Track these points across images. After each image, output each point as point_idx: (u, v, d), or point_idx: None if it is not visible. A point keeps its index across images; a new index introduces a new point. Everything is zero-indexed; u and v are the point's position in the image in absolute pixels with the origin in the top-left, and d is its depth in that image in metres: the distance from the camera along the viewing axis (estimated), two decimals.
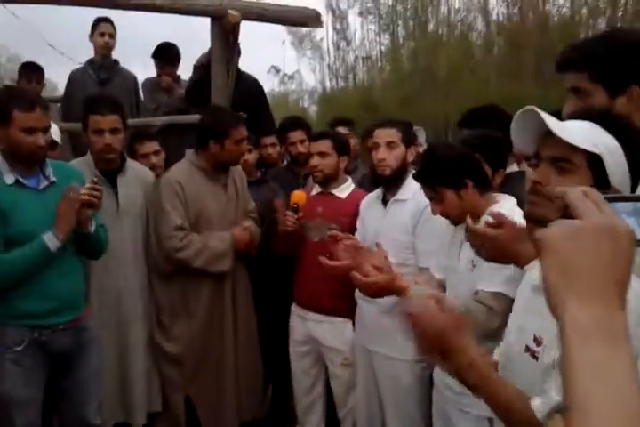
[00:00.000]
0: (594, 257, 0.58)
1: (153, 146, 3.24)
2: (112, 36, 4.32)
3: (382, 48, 19.38)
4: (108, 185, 2.72)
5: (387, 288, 1.90)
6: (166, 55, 4.42)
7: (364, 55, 19.44)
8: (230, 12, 3.52)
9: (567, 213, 0.63)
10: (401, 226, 2.51)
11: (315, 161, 2.88)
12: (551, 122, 1.12)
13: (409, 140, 2.62)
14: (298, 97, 19.56)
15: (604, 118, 1.17)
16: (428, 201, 2.43)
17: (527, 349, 1.16)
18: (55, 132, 2.70)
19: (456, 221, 2.07)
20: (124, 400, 2.79)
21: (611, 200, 0.67)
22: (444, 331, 1.14)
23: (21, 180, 2.30)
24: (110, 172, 2.78)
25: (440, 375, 2.11)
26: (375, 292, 1.94)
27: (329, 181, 2.92)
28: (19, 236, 2.26)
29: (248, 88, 4.20)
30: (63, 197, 2.27)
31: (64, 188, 2.29)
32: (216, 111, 3.13)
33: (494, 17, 17.33)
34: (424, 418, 2.46)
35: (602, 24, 15.51)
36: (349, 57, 19.44)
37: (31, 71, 4.47)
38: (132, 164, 2.93)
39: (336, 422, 2.99)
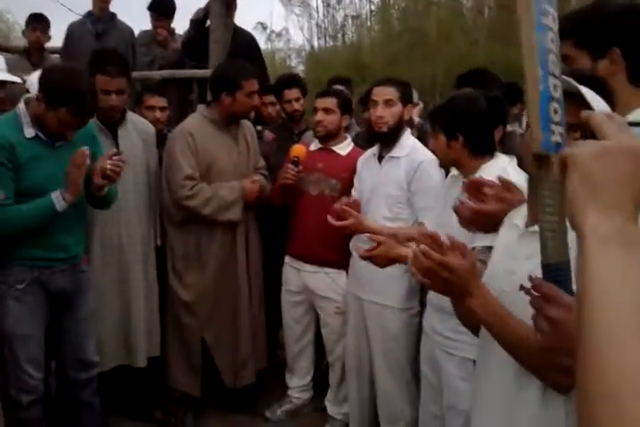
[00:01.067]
0: (616, 174, 0.62)
1: (161, 101, 3.28)
2: None
3: (372, 7, 19.03)
4: (108, 136, 2.78)
5: (387, 258, 2.08)
6: (162, 8, 4.39)
7: (354, 14, 19.07)
8: None
9: (587, 135, 0.68)
10: (395, 182, 2.61)
11: (319, 116, 2.94)
12: (583, 90, 1.18)
13: (406, 98, 2.70)
14: (285, 55, 19.20)
15: (595, 83, 1.26)
16: (422, 158, 2.54)
17: (522, 287, 1.26)
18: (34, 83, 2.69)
19: (441, 164, 2.26)
20: (126, 343, 2.89)
21: (632, 125, 0.73)
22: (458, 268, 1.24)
23: (41, 135, 2.34)
24: (111, 124, 2.82)
25: (429, 321, 2.26)
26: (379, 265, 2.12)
27: (330, 137, 2.98)
28: (31, 190, 2.32)
29: (244, 44, 4.19)
30: (74, 161, 2.30)
31: (78, 151, 2.31)
32: (228, 64, 3.15)
33: None
34: (410, 363, 2.62)
35: None
36: (339, 15, 19.06)
37: (36, 22, 4.46)
38: (131, 116, 2.96)
39: (321, 370, 3.15)
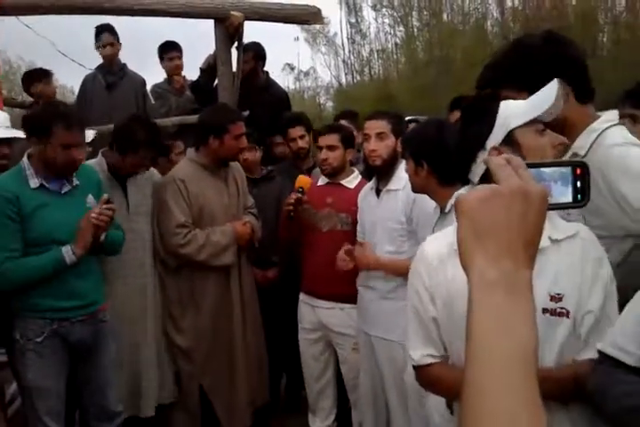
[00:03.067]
0: (505, 218, 0.61)
1: (181, 145, 3.48)
2: (113, 44, 4.45)
3: (397, 40, 19.33)
4: (117, 187, 2.84)
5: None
6: (170, 44, 4.55)
7: (379, 48, 19.39)
8: (232, 13, 3.62)
9: (491, 179, 0.67)
10: (394, 215, 2.60)
11: (323, 154, 2.97)
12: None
13: (399, 130, 2.68)
14: (314, 93, 19.57)
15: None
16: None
17: (545, 310, 1.23)
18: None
19: (413, 190, 2.29)
20: (136, 392, 2.89)
21: (533, 166, 0.71)
22: None
23: (45, 184, 2.42)
24: (121, 175, 2.87)
25: None
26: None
27: (337, 172, 3.01)
28: (39, 239, 2.38)
29: (275, 99, 4.36)
30: (85, 218, 2.41)
31: (89, 211, 2.43)
32: (215, 108, 3.21)
33: (509, 4, 17.18)
34: (422, 399, 2.54)
35: (620, 6, 15.25)
36: (364, 50, 19.42)
37: (35, 77, 4.48)
38: None
39: (347, 408, 3.08)
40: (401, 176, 2.59)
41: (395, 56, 19.56)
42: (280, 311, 3.28)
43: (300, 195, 2.96)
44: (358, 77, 19.42)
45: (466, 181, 2.08)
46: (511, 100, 1.36)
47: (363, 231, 2.75)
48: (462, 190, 2.08)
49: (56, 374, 2.47)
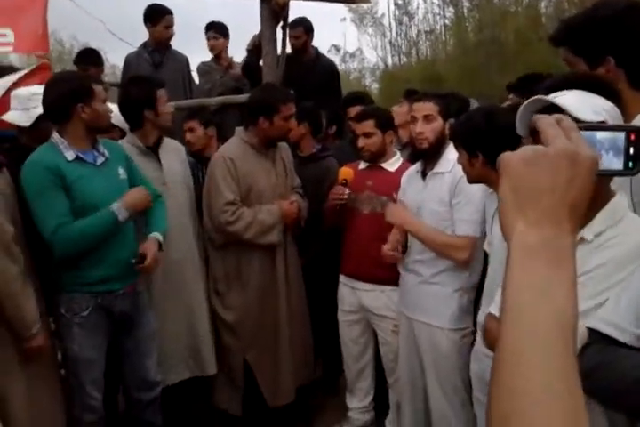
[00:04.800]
0: (549, 181, 0.58)
1: (192, 124, 3.52)
2: (168, 27, 4.48)
3: (446, 21, 18.91)
4: (152, 158, 2.91)
5: None
6: (210, 25, 4.58)
7: (427, 29, 19.03)
8: None
9: (537, 140, 0.63)
10: (439, 198, 2.56)
11: (361, 142, 2.95)
12: (561, 102, 1.16)
13: (447, 113, 2.64)
14: (360, 75, 19.37)
15: (590, 83, 1.23)
16: (461, 173, 2.47)
17: None
18: (117, 115, 2.87)
19: (468, 180, 2.24)
20: (194, 354, 2.98)
21: (586, 129, 0.67)
22: None
23: (81, 155, 2.47)
24: (152, 146, 2.95)
25: (480, 344, 2.17)
26: None
27: (377, 157, 2.98)
28: (84, 209, 2.42)
29: (324, 71, 4.45)
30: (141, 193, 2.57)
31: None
32: (265, 88, 3.22)
33: None
34: (465, 385, 2.52)
35: None
36: (412, 32, 19.07)
37: (85, 59, 4.54)
38: (165, 140, 3.08)
39: (385, 389, 3.08)
40: (449, 159, 2.55)
41: (443, 37, 19.15)
42: (320, 293, 3.28)
43: (344, 189, 2.95)
44: (405, 59, 19.12)
45: None
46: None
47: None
48: None
49: (100, 345, 2.54)
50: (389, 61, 19.28)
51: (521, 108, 1.26)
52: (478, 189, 2.40)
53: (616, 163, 0.71)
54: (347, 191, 2.95)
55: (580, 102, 1.20)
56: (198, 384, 3.05)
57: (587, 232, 1.27)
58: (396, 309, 2.83)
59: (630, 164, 0.72)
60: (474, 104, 4.28)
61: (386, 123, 2.97)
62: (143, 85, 2.88)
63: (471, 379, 2.32)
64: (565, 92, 1.25)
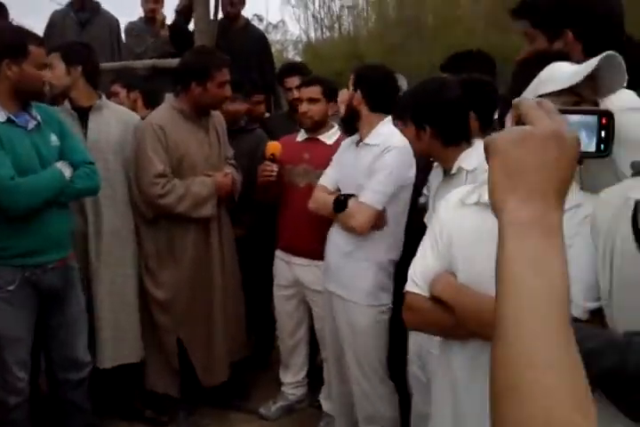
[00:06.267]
0: (538, 160, 0.60)
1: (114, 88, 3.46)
2: None
3: None
4: (75, 119, 2.75)
5: None
6: None
7: (350, 4, 18.92)
8: None
9: (520, 122, 0.65)
10: (364, 170, 2.53)
11: (304, 107, 2.88)
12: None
13: (330, 94, 2.89)
14: (282, 47, 19.10)
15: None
16: (388, 144, 2.48)
17: None
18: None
19: (415, 154, 2.31)
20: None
21: (562, 112, 0.69)
22: None
23: (13, 118, 2.30)
24: (83, 109, 2.78)
25: None
26: None
27: (318, 127, 2.92)
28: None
29: (254, 41, 4.27)
30: None
31: None
32: (198, 51, 3.04)
33: None
34: (381, 363, 2.55)
35: None
36: (335, 6, 18.93)
37: None
38: (113, 106, 2.93)
39: (318, 364, 3.08)
40: (380, 132, 2.53)
41: (365, 14, 19.15)
42: (255, 268, 3.22)
43: (271, 163, 2.89)
44: (328, 33, 19.00)
45: (468, 139, 2.05)
46: (564, 64, 1.26)
47: (339, 184, 2.69)
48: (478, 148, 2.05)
49: (26, 323, 2.40)
50: (312, 35, 19.09)
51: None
52: (401, 164, 2.41)
53: (590, 143, 0.75)
54: (275, 167, 2.89)
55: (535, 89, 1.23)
56: (129, 367, 2.91)
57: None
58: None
59: (602, 146, 0.75)
60: (401, 80, 4.30)
61: (331, 92, 2.92)
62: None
63: (408, 354, 2.33)
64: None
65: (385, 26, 17.26)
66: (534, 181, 0.60)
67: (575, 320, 1.14)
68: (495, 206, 0.62)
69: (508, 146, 0.62)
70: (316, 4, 18.55)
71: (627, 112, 1.42)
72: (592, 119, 0.76)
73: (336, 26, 19.00)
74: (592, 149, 0.76)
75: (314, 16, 18.85)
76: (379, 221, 2.47)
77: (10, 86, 2.28)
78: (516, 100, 0.68)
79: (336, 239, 2.62)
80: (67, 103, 2.78)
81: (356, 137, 2.68)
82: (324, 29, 19.04)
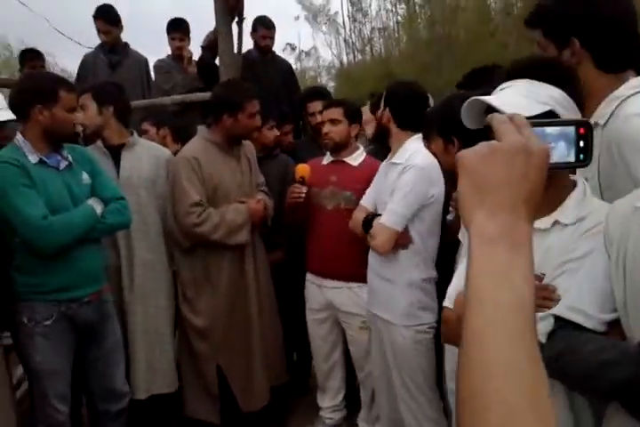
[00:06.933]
0: (505, 174, 0.61)
1: (144, 126, 3.54)
2: (109, 32, 4.36)
3: (398, 18, 19.03)
4: (108, 157, 2.86)
5: None
6: (177, 23, 4.49)
7: (381, 26, 19.11)
8: None
9: (492, 136, 0.66)
10: (390, 188, 2.53)
11: (326, 128, 2.93)
12: (497, 103, 1.18)
13: (352, 116, 2.94)
14: (315, 74, 19.34)
15: (540, 73, 1.27)
16: (410, 162, 2.47)
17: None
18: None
19: (443, 168, 2.36)
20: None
21: (537, 125, 0.71)
22: None
23: (45, 159, 2.40)
24: (116, 147, 2.89)
25: None
26: None
27: (340, 148, 2.95)
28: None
29: (281, 72, 4.44)
30: None
31: None
32: (229, 85, 3.13)
33: None
34: (427, 382, 2.50)
35: None
36: (366, 29, 19.13)
37: (30, 58, 4.40)
38: (144, 142, 3.02)
39: (355, 387, 3.06)
40: (407, 148, 2.53)
41: (396, 34, 19.27)
42: (288, 292, 3.23)
43: (301, 186, 2.92)
44: (360, 56, 19.17)
45: None
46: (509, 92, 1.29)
47: (372, 203, 2.71)
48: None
49: (64, 356, 2.45)
50: (344, 59, 19.30)
51: (463, 106, 1.27)
52: (419, 183, 2.40)
53: (569, 154, 0.76)
54: (304, 189, 2.92)
55: (521, 96, 1.24)
56: (167, 395, 2.94)
57: (561, 216, 1.30)
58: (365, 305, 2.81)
59: (581, 156, 0.76)
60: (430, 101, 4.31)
61: (353, 114, 2.95)
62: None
63: (445, 372, 2.30)
64: (514, 82, 1.29)
65: (416, 45, 17.34)
66: (502, 195, 0.61)
67: (592, 332, 1.13)
68: (464, 221, 0.64)
69: (476, 161, 0.63)
70: (347, 28, 18.80)
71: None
72: (570, 130, 0.76)
73: (367, 48, 19.18)
74: (572, 159, 0.77)
75: (345, 40, 19.09)
76: (401, 240, 2.46)
77: (41, 130, 2.38)
78: (490, 114, 0.70)
79: (371, 261, 2.64)
80: (99, 142, 2.88)
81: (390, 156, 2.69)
82: (356, 53, 19.24)
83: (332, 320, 3.01)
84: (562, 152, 0.76)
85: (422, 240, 2.51)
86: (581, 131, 0.76)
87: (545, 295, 1.24)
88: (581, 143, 0.76)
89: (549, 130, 0.76)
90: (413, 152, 2.50)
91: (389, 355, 2.55)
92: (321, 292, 2.98)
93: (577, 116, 1.25)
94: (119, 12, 4.42)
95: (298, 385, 3.50)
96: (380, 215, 2.53)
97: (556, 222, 1.30)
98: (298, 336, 3.32)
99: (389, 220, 2.44)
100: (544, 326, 1.17)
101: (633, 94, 1.45)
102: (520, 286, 0.57)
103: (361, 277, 2.82)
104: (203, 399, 2.99)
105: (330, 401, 3.11)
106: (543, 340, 1.17)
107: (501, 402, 0.51)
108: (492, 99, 1.20)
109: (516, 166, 0.61)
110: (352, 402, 3.10)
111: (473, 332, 0.56)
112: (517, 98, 1.24)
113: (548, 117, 1.18)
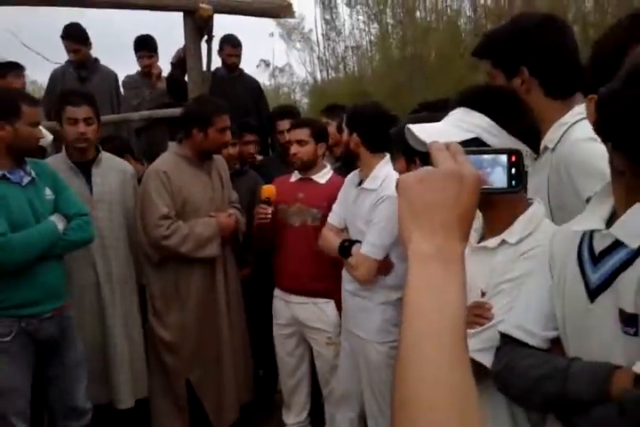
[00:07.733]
0: (438, 197, 0.66)
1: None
2: (78, 51, 4.37)
3: (371, 37, 19.26)
4: (79, 175, 2.85)
5: None
6: (145, 42, 4.52)
7: (354, 45, 19.31)
8: (202, 5, 3.57)
9: (431, 162, 0.71)
10: (363, 215, 2.57)
11: (294, 149, 2.96)
12: (422, 134, 1.24)
13: (319, 136, 2.96)
14: (289, 90, 19.45)
15: (471, 103, 1.34)
16: (386, 192, 2.50)
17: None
18: (47, 137, 2.79)
19: None
20: (110, 382, 2.88)
21: (471, 153, 0.76)
22: None
23: (8, 175, 2.38)
24: (84, 163, 2.88)
25: None
26: None
27: (308, 167, 2.99)
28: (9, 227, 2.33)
29: (251, 89, 4.51)
30: None
31: None
32: (199, 100, 3.17)
33: (481, 1, 17.22)
34: None
35: (589, 4, 15.43)
36: (339, 47, 19.31)
37: (9, 69, 4.36)
38: (108, 156, 3.02)
39: (320, 404, 3.06)
40: (377, 176, 2.56)
41: (369, 53, 19.51)
42: (255, 309, 3.24)
43: (267, 206, 2.93)
44: (333, 74, 19.32)
45: None
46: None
47: (340, 221, 2.74)
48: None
49: (24, 373, 2.42)
50: (318, 76, 19.44)
51: (406, 132, 1.32)
52: (394, 214, 2.43)
53: (501, 181, 0.81)
54: (270, 210, 2.94)
55: (450, 124, 1.31)
56: (130, 410, 2.92)
57: (508, 236, 1.35)
58: (337, 321, 2.84)
59: (513, 182, 0.81)
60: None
61: (320, 134, 2.99)
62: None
63: None
64: (453, 111, 1.37)
65: (389, 65, 17.54)
66: (436, 217, 0.66)
67: (535, 349, 1.17)
68: (403, 240, 0.68)
69: (412, 184, 0.68)
70: (321, 46, 18.97)
71: (588, 142, 1.46)
72: (503, 157, 0.81)
73: (341, 66, 19.36)
74: (504, 184, 0.81)
75: (319, 58, 19.23)
76: (382, 268, 2.50)
77: (4, 145, 2.38)
78: (429, 142, 0.74)
79: (344, 279, 2.67)
80: (66, 158, 2.87)
81: (357, 175, 2.72)
82: (330, 70, 19.40)
83: (298, 336, 3.02)
84: (495, 178, 0.81)
85: (402, 263, 2.55)
86: (512, 159, 0.81)
87: (478, 313, 1.28)
88: (513, 170, 0.80)
89: (485, 157, 0.81)
90: (385, 178, 2.52)
91: (363, 370, 2.57)
92: (287, 307, 3.00)
93: (510, 142, 1.31)
94: (88, 30, 4.43)
95: (264, 402, 3.49)
96: (355, 241, 2.55)
97: (503, 242, 1.35)
98: (264, 353, 3.32)
99: (370, 251, 2.47)
100: (473, 344, 1.21)
101: (578, 121, 1.53)
102: (451, 299, 0.61)
103: (327, 293, 2.86)
104: (172, 414, 2.98)
105: (295, 417, 3.10)
106: (476, 357, 1.21)
107: (431, 413, 0.54)
108: (416, 127, 1.26)
109: (449, 190, 0.66)
110: (317, 419, 3.10)
111: (407, 345, 0.59)
112: (446, 126, 1.31)
113: (473, 144, 1.25)
